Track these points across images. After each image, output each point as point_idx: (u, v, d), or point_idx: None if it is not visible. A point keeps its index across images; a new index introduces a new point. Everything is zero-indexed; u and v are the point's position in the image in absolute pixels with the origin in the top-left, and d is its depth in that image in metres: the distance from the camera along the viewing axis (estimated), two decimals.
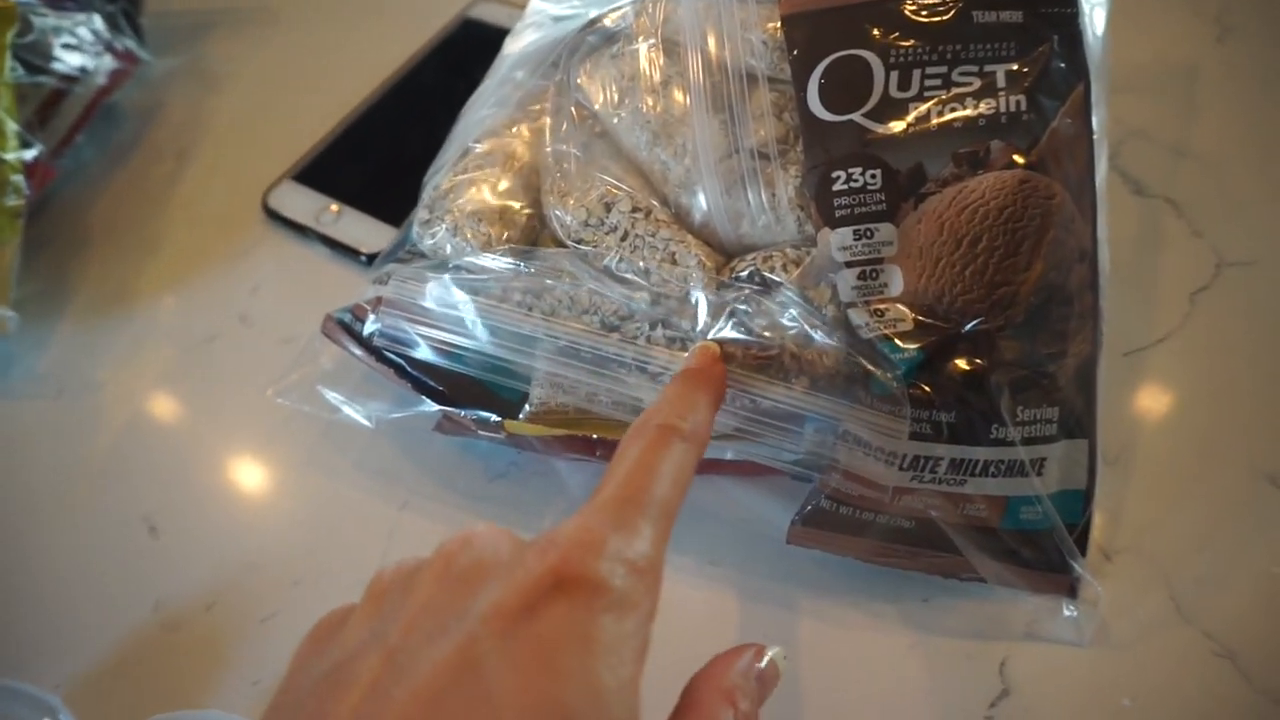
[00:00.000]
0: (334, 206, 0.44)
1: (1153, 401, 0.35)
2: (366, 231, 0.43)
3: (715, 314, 0.29)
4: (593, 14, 0.34)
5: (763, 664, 0.23)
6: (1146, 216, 0.39)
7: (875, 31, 0.29)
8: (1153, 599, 0.30)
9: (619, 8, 0.34)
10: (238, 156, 0.49)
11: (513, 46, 0.37)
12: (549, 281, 0.31)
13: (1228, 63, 0.44)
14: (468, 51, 0.50)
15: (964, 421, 0.28)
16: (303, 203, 0.45)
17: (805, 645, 0.31)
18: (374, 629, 0.20)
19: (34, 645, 0.34)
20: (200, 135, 0.50)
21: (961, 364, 0.28)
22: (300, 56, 0.53)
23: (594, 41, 0.34)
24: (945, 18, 0.29)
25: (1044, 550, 0.30)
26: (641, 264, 0.30)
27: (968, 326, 0.28)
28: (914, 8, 0.29)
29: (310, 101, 0.49)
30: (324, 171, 0.46)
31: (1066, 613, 0.30)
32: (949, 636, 0.30)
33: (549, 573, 0.19)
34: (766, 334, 0.29)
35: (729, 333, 0.29)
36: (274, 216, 0.45)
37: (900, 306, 0.28)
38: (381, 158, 0.47)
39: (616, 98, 0.32)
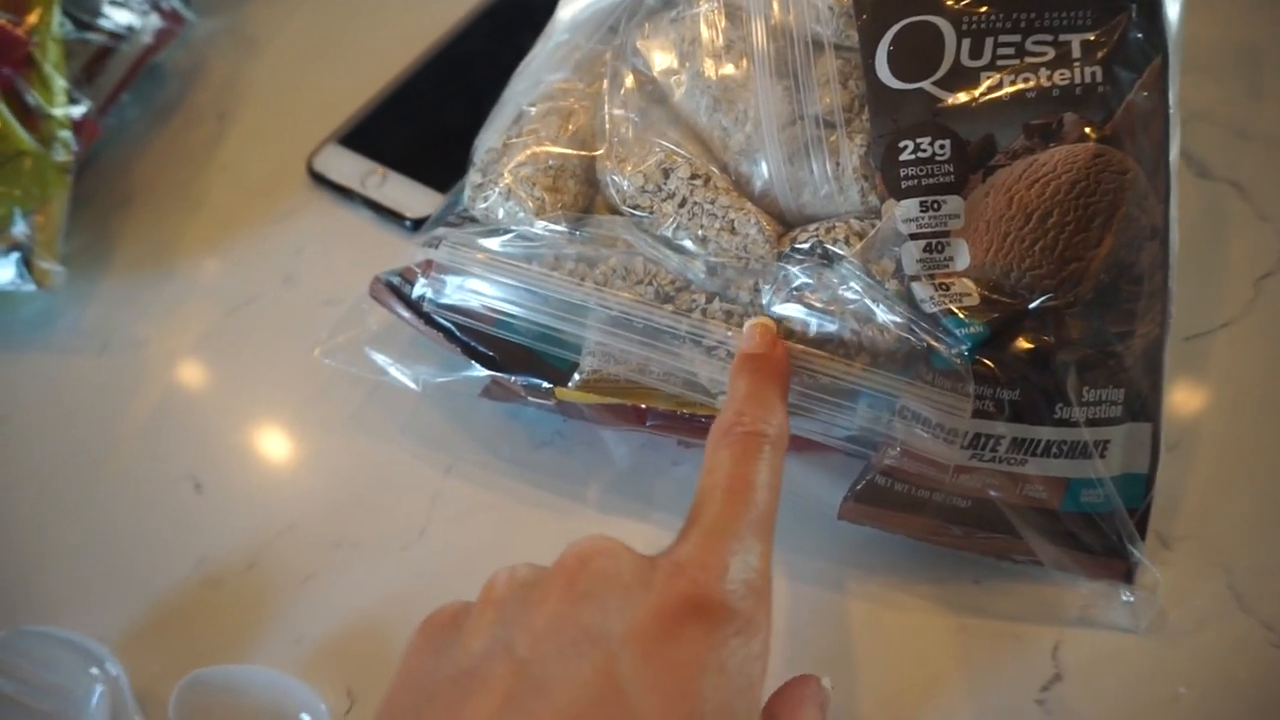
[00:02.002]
0: (380, 170, 0.44)
1: (1215, 388, 0.34)
2: (412, 196, 0.43)
3: (775, 288, 0.28)
4: None
5: (823, 687, 0.24)
6: (1210, 199, 0.38)
7: None
8: (1211, 588, 0.30)
9: None
10: (279, 119, 0.48)
11: (567, 10, 0.37)
12: (603, 250, 0.31)
13: None
14: (515, 18, 0.50)
15: (1028, 400, 0.27)
16: (348, 166, 0.44)
17: (853, 624, 0.30)
18: (498, 636, 0.21)
19: (80, 598, 0.34)
20: (242, 97, 0.50)
21: (1028, 341, 0.27)
22: (341, 20, 0.52)
23: (653, 4, 0.33)
24: None
25: (1103, 534, 0.29)
26: (700, 232, 0.30)
27: (1035, 303, 0.27)
28: None
29: (350, 66, 0.49)
30: (369, 136, 0.46)
31: (1123, 598, 0.29)
32: (1001, 619, 0.30)
33: (681, 598, 0.20)
34: (830, 308, 0.28)
35: (788, 309, 0.29)
36: (319, 179, 0.45)
37: (966, 281, 0.28)
38: (427, 123, 0.47)
39: (676, 62, 0.31)
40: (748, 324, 0.28)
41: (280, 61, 0.51)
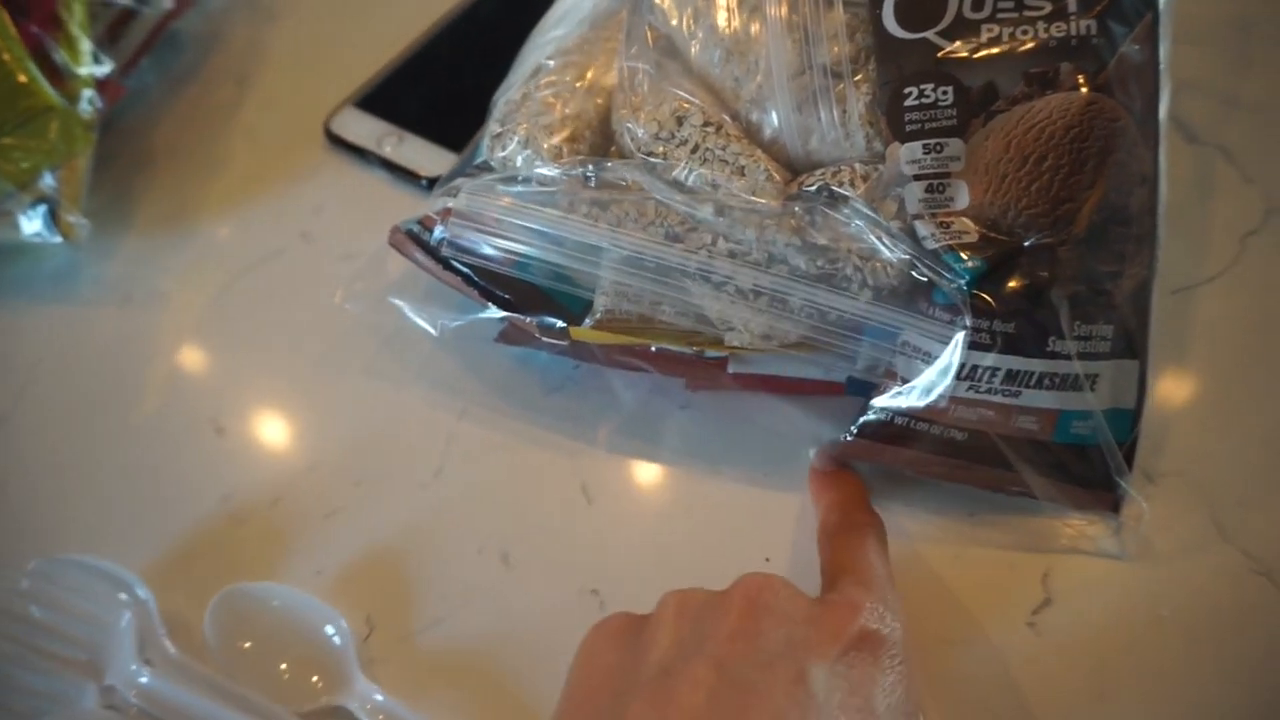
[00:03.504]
0: (396, 133, 0.45)
1: (1200, 337, 0.35)
2: (427, 157, 0.44)
3: (781, 227, 0.30)
4: None
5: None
6: (1199, 163, 0.40)
7: None
8: (1194, 518, 0.31)
9: None
10: (297, 84, 0.49)
11: None
12: (616, 193, 0.32)
13: (1277, 11, 0.44)
14: None
15: (1022, 333, 0.29)
16: (365, 128, 0.46)
17: None
18: (689, 642, 0.23)
19: (110, 532, 0.35)
20: (260, 63, 0.51)
21: (1023, 277, 0.29)
22: None
23: None
24: None
25: (1092, 466, 0.30)
26: (711, 176, 0.31)
27: (1030, 240, 0.29)
28: None
29: (367, 32, 0.50)
30: (385, 99, 0.47)
31: (1109, 528, 0.31)
32: (994, 549, 0.31)
33: (855, 627, 0.24)
34: (836, 244, 0.29)
35: (792, 251, 0.30)
36: (336, 141, 0.46)
37: (965, 220, 0.29)
38: (443, 87, 0.48)
39: (690, 17, 0.33)
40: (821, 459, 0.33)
41: (298, 29, 0.52)
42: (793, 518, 0.33)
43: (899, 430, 0.31)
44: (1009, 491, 0.31)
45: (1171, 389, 0.34)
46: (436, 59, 0.48)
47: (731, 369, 0.33)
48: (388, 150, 0.45)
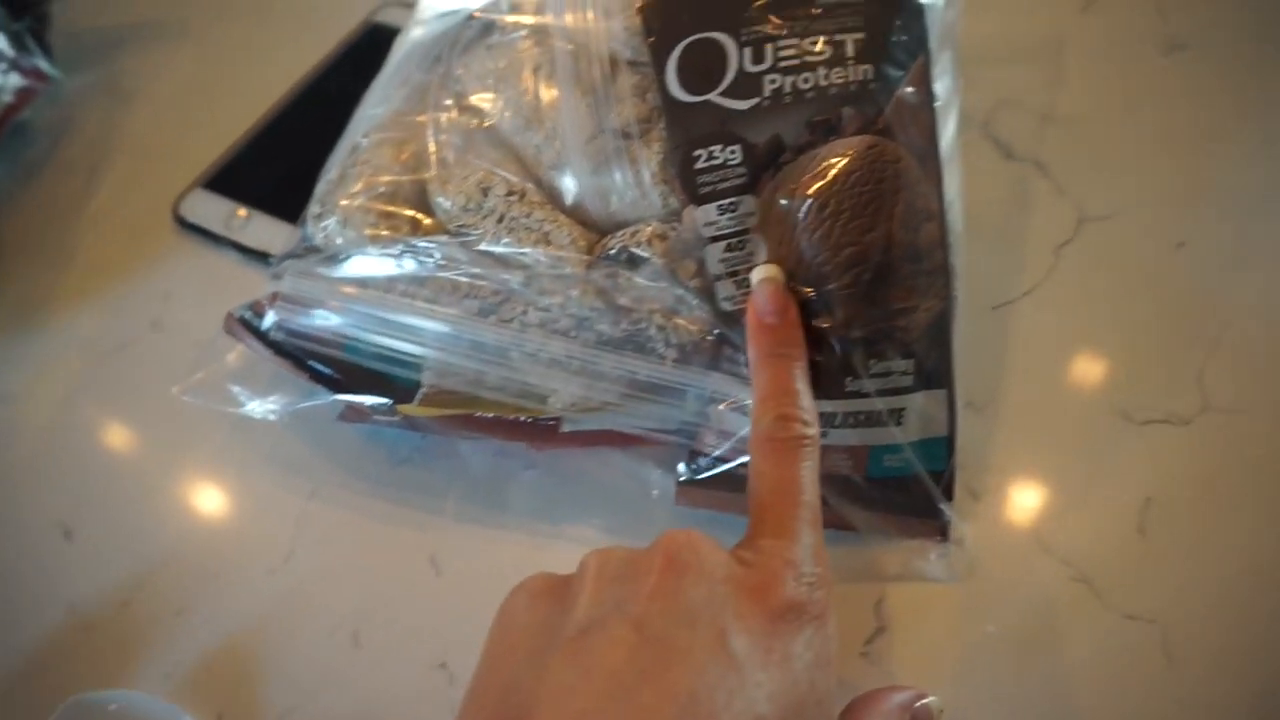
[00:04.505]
0: (242, 212, 0.45)
1: (1019, 351, 0.37)
2: (276, 235, 0.44)
3: (585, 292, 0.30)
4: (473, 7, 0.35)
5: (922, 703, 0.26)
6: (1015, 179, 0.41)
7: (725, 14, 0.30)
8: (1017, 532, 0.32)
9: (496, 1, 0.35)
10: (150, 169, 0.49)
11: (401, 43, 0.39)
12: (432, 269, 0.32)
13: (1092, 31, 0.46)
14: (374, 55, 0.51)
15: (819, 376, 0.29)
16: (213, 210, 0.46)
17: None
18: (608, 602, 0.23)
19: None
20: (112, 150, 0.51)
21: (816, 322, 0.29)
22: (212, 67, 0.54)
23: (472, 34, 0.35)
24: None
25: (914, 495, 0.31)
26: (518, 245, 0.31)
27: (823, 287, 0.30)
28: None
29: (221, 110, 0.50)
30: (235, 178, 0.47)
31: (937, 552, 0.32)
32: None
33: (777, 598, 0.23)
34: (639, 308, 0.30)
35: (598, 313, 0.30)
36: (185, 225, 0.46)
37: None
38: (291, 162, 0.48)
39: (493, 87, 0.33)
40: (756, 276, 0.29)
41: (152, 112, 0.52)
42: None
43: (722, 476, 0.31)
44: (836, 528, 0.32)
45: (994, 405, 0.35)
46: (284, 134, 0.49)
47: (566, 428, 0.34)
48: (236, 231, 0.45)
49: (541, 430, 0.34)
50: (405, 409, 0.33)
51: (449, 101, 0.34)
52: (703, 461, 0.31)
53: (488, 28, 0.35)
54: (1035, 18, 0.47)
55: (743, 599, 0.23)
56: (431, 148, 0.34)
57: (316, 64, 0.51)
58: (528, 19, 0.33)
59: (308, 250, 0.36)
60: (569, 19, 0.32)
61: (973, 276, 0.37)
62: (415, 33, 0.38)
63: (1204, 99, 0.43)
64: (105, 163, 0.50)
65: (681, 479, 0.33)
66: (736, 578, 0.23)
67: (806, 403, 0.27)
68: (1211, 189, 0.40)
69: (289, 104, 0.50)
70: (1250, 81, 0.43)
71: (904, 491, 0.31)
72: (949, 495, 0.31)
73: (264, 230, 0.44)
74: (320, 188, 0.36)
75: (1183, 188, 0.40)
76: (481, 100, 0.34)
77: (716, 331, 0.30)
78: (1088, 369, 0.36)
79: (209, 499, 0.37)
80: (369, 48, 0.52)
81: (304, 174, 0.46)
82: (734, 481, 0.31)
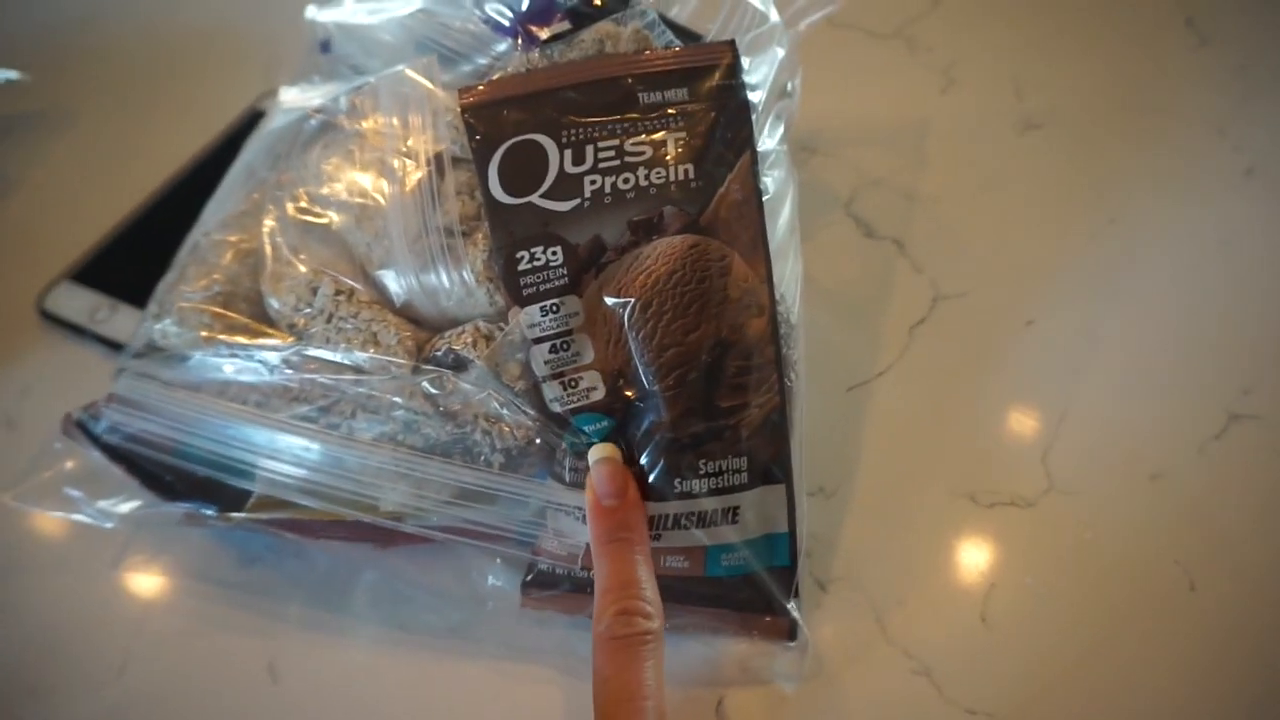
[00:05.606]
0: (107, 305, 0.44)
1: (870, 433, 0.37)
2: None
3: (412, 395, 0.30)
4: (312, 105, 0.36)
5: None
6: (875, 258, 0.42)
7: (547, 116, 0.31)
8: (861, 623, 0.32)
9: (334, 98, 0.35)
10: (16, 261, 0.48)
11: (255, 139, 0.39)
12: (263, 373, 0.32)
13: (951, 112, 0.48)
14: None
15: (652, 478, 0.29)
16: (78, 302, 0.45)
17: (524, 705, 0.32)
18: None
19: None
20: None
21: (643, 425, 0.29)
22: (96, 157, 0.53)
23: (310, 132, 0.35)
24: (613, 98, 0.31)
25: (759, 592, 0.31)
26: (346, 345, 0.31)
27: (652, 387, 0.29)
28: (583, 93, 0.31)
29: (100, 201, 0.49)
30: (103, 270, 0.46)
31: (781, 653, 0.31)
32: (668, 684, 0.31)
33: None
34: (464, 413, 0.30)
35: (422, 416, 0.30)
36: (49, 318, 0.45)
37: (594, 373, 0.30)
38: (163, 253, 0.47)
39: (326, 185, 0.33)
40: (593, 456, 0.29)
41: (24, 202, 0.51)
42: (479, 675, 0.32)
43: (567, 579, 0.31)
44: (684, 632, 0.31)
45: (845, 490, 0.35)
46: (156, 225, 0.48)
47: (408, 527, 0.33)
48: (100, 324, 0.44)
49: (385, 530, 0.33)
50: (234, 517, 0.32)
51: (286, 200, 0.34)
52: (544, 566, 0.31)
53: (325, 126, 0.35)
54: (900, 100, 0.49)
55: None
56: (267, 248, 0.34)
57: (196, 153, 0.51)
58: (361, 118, 0.34)
59: (150, 349, 0.35)
60: (396, 120, 0.32)
61: (829, 357, 0.37)
62: (267, 127, 0.38)
63: (1055, 177, 0.45)
64: None
65: (527, 579, 0.32)
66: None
67: (650, 593, 0.28)
68: (1060, 267, 0.41)
69: (164, 194, 0.49)
70: (1097, 162, 0.45)
71: (750, 588, 0.31)
72: (796, 590, 0.31)
73: (130, 322, 0.43)
74: (160, 286, 0.35)
75: (1032, 265, 0.41)
76: (315, 199, 0.34)
77: (539, 438, 0.29)
78: (938, 450, 0.36)
79: (43, 609, 0.36)
80: (250, 136, 0.52)
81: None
82: (579, 583, 0.31)
